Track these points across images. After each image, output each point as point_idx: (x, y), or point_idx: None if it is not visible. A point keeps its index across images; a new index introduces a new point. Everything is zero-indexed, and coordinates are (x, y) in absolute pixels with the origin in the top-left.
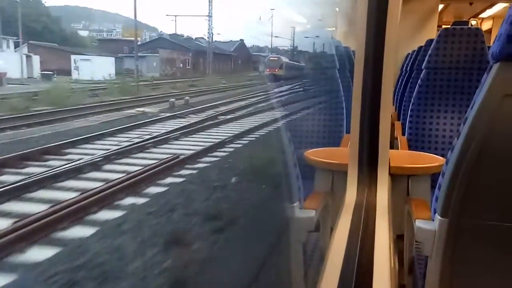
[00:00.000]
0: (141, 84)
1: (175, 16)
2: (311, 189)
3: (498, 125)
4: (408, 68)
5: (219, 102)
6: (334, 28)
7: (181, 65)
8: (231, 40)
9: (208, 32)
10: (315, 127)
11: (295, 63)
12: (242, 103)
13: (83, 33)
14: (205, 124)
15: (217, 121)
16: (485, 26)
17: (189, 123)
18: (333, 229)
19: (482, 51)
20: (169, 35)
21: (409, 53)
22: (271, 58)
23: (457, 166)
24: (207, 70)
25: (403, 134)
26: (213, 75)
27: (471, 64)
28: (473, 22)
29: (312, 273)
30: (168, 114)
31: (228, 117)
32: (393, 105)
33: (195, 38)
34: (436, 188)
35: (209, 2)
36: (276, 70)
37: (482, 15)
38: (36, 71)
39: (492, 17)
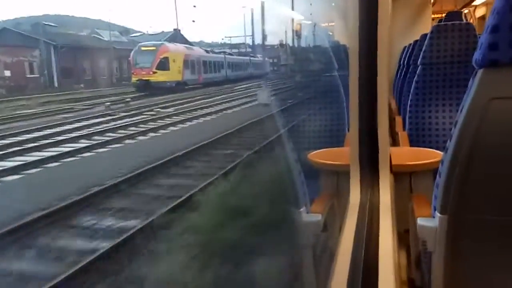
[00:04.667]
0: None
1: None
2: (318, 188)
3: (486, 127)
4: (405, 62)
5: None
6: (332, 24)
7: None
8: (162, 31)
9: None
10: (317, 127)
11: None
12: None
13: None
14: None
15: None
16: (479, 12)
17: None
18: (340, 229)
19: (474, 45)
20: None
21: (406, 47)
22: (142, 49)
23: (451, 166)
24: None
25: (404, 129)
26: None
27: (465, 57)
28: (466, 11)
29: (322, 272)
30: None
31: None
32: (394, 98)
33: (93, 31)
34: (434, 186)
35: None
36: (151, 72)
37: (475, 3)
38: None
39: (486, 4)
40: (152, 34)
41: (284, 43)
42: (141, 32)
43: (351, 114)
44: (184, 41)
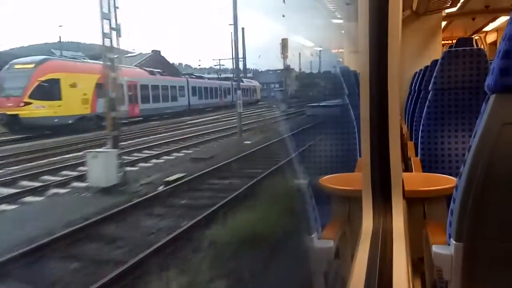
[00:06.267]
0: None
1: None
2: (329, 214)
3: (500, 152)
4: (416, 87)
5: None
6: (341, 50)
7: None
8: (140, 53)
9: None
10: (328, 153)
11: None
12: None
13: None
14: None
15: None
16: (490, 38)
17: None
18: (353, 257)
19: (486, 70)
20: None
21: (416, 72)
22: (15, 67)
23: (466, 192)
24: None
25: (416, 154)
26: None
27: (476, 83)
28: (476, 37)
29: None
30: None
31: None
32: (405, 123)
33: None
34: (449, 213)
35: None
36: (21, 103)
37: (486, 29)
38: None
39: (496, 30)
40: (128, 56)
41: (291, 67)
42: (131, 52)
43: (363, 139)
44: (166, 64)
